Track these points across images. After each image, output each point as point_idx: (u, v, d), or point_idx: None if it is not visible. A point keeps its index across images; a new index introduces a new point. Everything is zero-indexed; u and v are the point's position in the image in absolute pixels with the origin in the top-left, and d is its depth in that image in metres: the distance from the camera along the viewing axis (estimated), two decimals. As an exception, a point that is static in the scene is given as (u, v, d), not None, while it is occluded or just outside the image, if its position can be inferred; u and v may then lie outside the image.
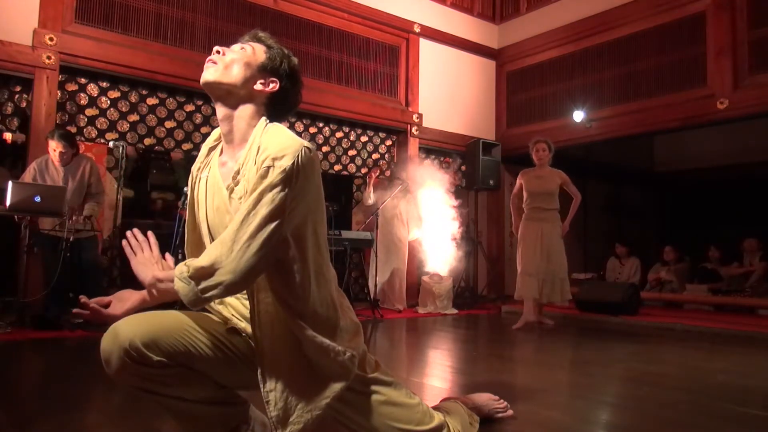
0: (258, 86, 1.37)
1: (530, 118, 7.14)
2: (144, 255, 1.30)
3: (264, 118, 1.37)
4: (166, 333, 1.26)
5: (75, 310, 1.26)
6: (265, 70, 1.38)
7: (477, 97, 7.42)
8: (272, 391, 1.30)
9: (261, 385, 1.30)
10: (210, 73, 1.34)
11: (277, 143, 1.27)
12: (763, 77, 5.23)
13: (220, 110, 1.38)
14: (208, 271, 1.21)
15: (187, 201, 1.48)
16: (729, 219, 8.22)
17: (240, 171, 1.32)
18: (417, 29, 6.74)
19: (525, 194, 5.01)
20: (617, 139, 6.57)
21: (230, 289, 1.21)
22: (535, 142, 5.03)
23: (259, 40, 1.42)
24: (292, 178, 1.23)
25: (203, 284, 1.20)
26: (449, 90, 7.08)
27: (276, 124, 1.36)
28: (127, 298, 1.28)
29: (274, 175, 1.23)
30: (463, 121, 7.19)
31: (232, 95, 1.36)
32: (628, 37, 6.21)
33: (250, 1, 5.56)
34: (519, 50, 7.35)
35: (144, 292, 1.33)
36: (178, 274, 1.21)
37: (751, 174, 8.12)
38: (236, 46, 1.40)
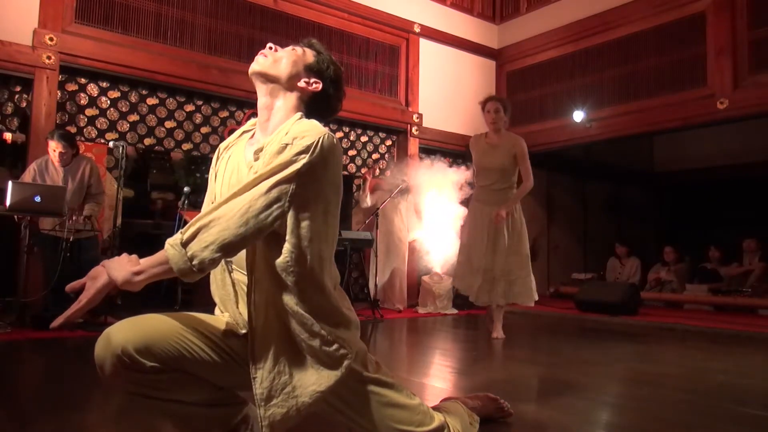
0: (301, 83, 1.44)
1: (530, 118, 7.14)
2: (114, 258, 1.22)
3: (300, 113, 1.41)
4: (159, 338, 1.24)
5: (53, 325, 1.20)
6: (311, 71, 1.45)
7: (477, 97, 7.31)
8: (260, 369, 1.29)
9: (250, 363, 1.29)
10: (259, 64, 1.43)
11: (302, 128, 1.31)
12: (763, 77, 5.23)
13: (262, 99, 1.44)
14: (203, 228, 1.20)
15: (208, 176, 1.53)
16: (729, 219, 8.22)
17: (263, 149, 1.34)
18: (417, 29, 6.74)
19: (474, 167, 4.13)
20: (617, 139, 6.57)
21: (223, 247, 1.19)
22: (485, 101, 4.08)
23: (310, 46, 1.49)
24: (308, 155, 1.25)
25: (194, 247, 1.18)
26: (449, 90, 7.08)
27: (310, 119, 1.38)
28: (100, 273, 1.20)
29: (291, 150, 1.26)
30: (463, 121, 7.19)
31: (275, 87, 1.42)
32: (628, 37, 6.21)
33: (250, 1, 5.56)
34: (519, 50, 7.35)
35: None
36: (171, 241, 1.20)
37: (751, 174, 8.12)
38: (288, 47, 1.48)
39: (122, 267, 1.19)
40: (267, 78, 1.42)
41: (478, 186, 4.05)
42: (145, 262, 1.20)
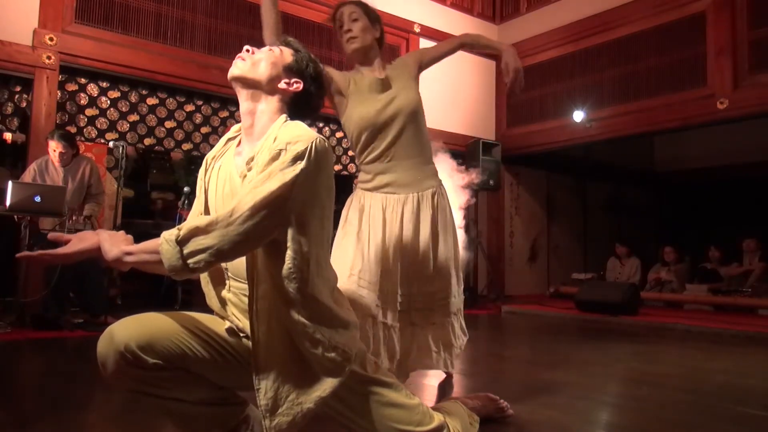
0: (282, 85, 1.41)
1: (530, 118, 7.14)
2: (111, 232, 1.25)
3: (285, 115, 1.40)
4: (162, 336, 1.26)
5: (19, 255, 1.22)
6: (290, 71, 1.43)
7: (477, 97, 7.42)
8: (264, 379, 1.29)
9: (253, 373, 1.30)
10: (238, 68, 1.40)
11: (293, 133, 1.30)
12: (763, 77, 5.23)
13: (244, 104, 1.42)
14: (201, 231, 1.19)
15: (196, 187, 1.50)
16: (729, 219, 8.22)
17: (254, 158, 1.34)
18: (417, 29, 6.74)
19: (352, 128, 2.19)
20: (617, 139, 6.56)
21: (217, 254, 1.19)
22: (333, 11, 2.34)
23: (288, 45, 1.48)
24: (303, 161, 1.25)
25: (190, 248, 1.18)
26: (449, 90, 7.07)
27: (295, 121, 1.39)
28: (88, 238, 1.22)
29: (286, 157, 1.25)
30: (463, 121, 7.19)
31: (256, 91, 1.40)
32: (628, 37, 6.21)
33: (250, 1, 5.56)
34: (519, 50, 7.14)
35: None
36: (167, 236, 1.19)
37: (751, 174, 8.12)
38: (265, 48, 1.45)
39: (116, 244, 1.21)
40: (247, 82, 1.39)
41: (367, 159, 2.19)
42: (137, 247, 1.22)
